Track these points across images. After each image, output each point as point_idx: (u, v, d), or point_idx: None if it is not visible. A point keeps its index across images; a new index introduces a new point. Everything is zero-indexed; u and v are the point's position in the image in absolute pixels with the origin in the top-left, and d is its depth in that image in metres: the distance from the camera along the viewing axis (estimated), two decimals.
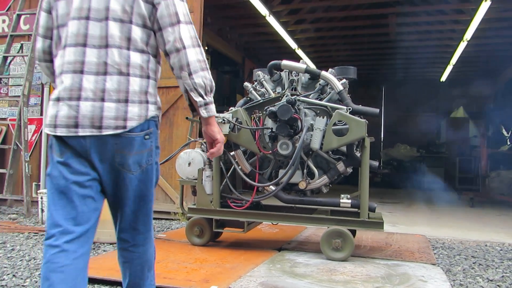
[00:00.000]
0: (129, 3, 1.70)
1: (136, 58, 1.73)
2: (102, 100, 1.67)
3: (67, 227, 1.64)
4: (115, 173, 1.72)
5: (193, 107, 1.80)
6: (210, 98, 1.80)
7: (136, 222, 1.81)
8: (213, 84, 1.80)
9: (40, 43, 1.88)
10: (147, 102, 1.75)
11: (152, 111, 1.76)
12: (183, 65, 1.73)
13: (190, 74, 1.73)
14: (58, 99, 1.69)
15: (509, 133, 12.14)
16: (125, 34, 1.71)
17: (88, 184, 1.70)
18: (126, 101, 1.70)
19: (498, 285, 2.99)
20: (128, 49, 1.72)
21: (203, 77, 1.74)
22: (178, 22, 1.73)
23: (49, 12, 1.84)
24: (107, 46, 1.69)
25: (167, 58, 1.78)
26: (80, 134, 1.66)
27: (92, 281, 2.82)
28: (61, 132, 1.67)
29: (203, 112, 1.79)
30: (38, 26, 1.93)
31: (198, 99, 1.76)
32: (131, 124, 1.69)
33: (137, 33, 1.73)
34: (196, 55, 1.73)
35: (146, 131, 1.74)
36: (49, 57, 1.90)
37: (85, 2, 1.71)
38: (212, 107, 1.81)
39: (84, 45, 1.70)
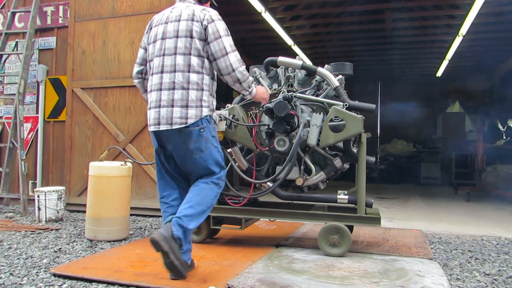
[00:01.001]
0: (189, 42, 2.71)
1: (193, 77, 2.70)
2: (172, 106, 2.68)
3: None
4: (183, 153, 2.75)
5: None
6: (252, 87, 2.91)
7: (199, 174, 2.81)
8: (252, 78, 2.88)
9: (136, 68, 3.03)
10: (201, 106, 2.70)
11: (205, 112, 2.72)
12: (235, 81, 2.78)
13: (240, 83, 2.80)
14: (150, 108, 2.79)
15: (505, 127, 12.19)
16: (187, 62, 2.70)
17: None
18: (187, 106, 2.67)
19: (494, 279, 3.00)
20: (189, 72, 2.69)
21: (248, 82, 2.84)
22: (227, 53, 2.70)
23: (145, 49, 2.95)
24: (175, 71, 2.70)
25: (222, 77, 2.80)
26: (161, 129, 2.70)
27: (89, 281, 2.81)
28: (152, 129, 2.77)
29: (248, 97, 2.99)
30: (137, 57, 3.04)
31: (245, 93, 2.91)
32: (190, 121, 2.66)
33: (194, 60, 2.71)
34: (242, 72, 2.76)
35: (200, 126, 2.69)
36: (141, 76, 3.02)
37: (163, 44, 2.77)
38: (254, 90, 2.93)
39: (162, 72, 2.74)
